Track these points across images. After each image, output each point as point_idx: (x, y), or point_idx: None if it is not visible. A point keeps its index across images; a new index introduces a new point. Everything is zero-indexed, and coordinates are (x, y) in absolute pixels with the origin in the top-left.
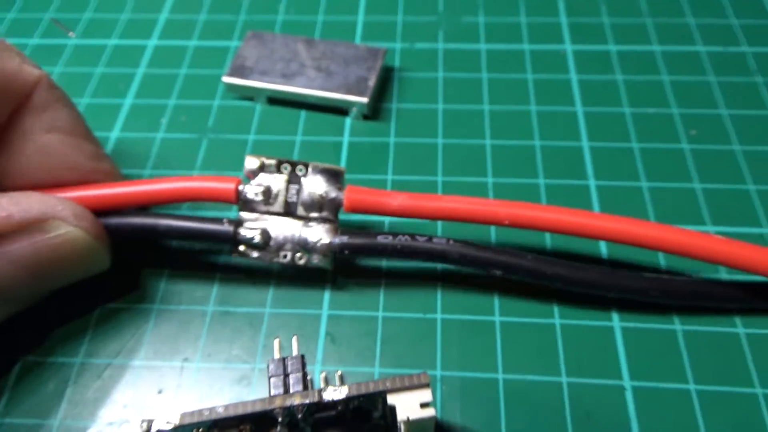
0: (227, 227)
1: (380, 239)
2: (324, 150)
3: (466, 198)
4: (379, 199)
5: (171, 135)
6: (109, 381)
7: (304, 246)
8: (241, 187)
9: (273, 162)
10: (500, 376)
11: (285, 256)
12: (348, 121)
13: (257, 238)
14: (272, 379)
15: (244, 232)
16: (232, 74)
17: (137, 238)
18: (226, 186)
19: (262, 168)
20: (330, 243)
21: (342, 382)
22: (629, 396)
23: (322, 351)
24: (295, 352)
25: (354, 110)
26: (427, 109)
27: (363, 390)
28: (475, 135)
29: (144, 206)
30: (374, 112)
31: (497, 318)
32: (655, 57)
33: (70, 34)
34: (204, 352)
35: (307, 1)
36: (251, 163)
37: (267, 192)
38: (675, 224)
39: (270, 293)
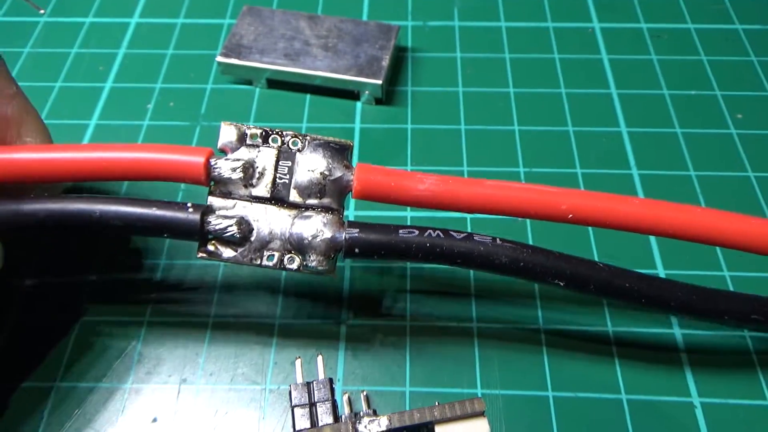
0: (191, 215)
1: (402, 234)
2: None
3: (514, 184)
4: (400, 181)
5: (158, 122)
6: (92, 408)
7: (297, 244)
8: (212, 161)
9: (258, 131)
10: (550, 393)
11: (270, 257)
12: (359, 105)
13: (233, 230)
14: (296, 410)
15: (215, 221)
16: (226, 54)
17: (61, 229)
18: (191, 159)
19: (243, 139)
20: (332, 238)
21: (368, 404)
22: (699, 413)
23: (343, 367)
24: (320, 375)
25: (366, 93)
26: (445, 92)
27: (407, 420)
28: (501, 120)
29: (77, 181)
30: (387, 95)
31: (541, 326)
32: (691, 34)
33: (41, 11)
34: (205, 370)
35: None
36: (228, 133)
37: (248, 168)
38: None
39: (279, 299)
